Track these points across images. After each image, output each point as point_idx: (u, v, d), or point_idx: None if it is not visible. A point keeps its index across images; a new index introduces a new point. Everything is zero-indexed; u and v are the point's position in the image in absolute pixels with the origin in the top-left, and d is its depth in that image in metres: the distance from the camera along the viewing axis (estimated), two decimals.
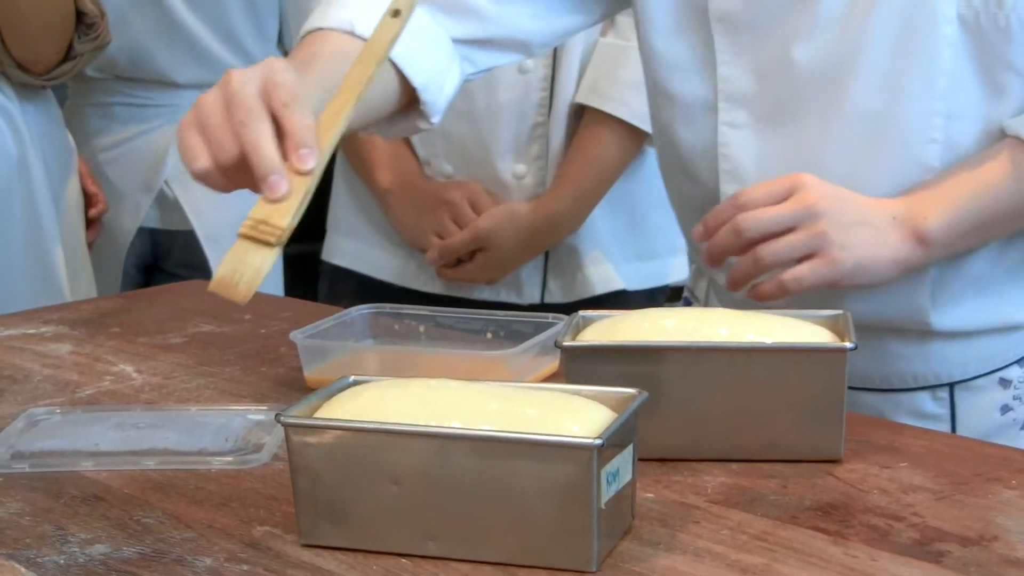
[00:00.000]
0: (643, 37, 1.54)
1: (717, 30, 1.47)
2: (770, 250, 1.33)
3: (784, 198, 1.34)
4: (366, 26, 1.42)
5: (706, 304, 1.64)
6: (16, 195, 2.29)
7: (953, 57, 1.37)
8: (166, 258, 2.88)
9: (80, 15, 2.25)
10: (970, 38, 1.37)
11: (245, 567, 1.01)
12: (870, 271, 1.35)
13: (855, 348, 1.17)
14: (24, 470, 1.22)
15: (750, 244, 1.34)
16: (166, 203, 2.82)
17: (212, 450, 1.25)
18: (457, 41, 1.55)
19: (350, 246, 2.24)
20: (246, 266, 1.22)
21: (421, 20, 1.50)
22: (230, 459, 1.23)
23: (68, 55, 2.29)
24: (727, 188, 1.49)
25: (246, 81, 1.23)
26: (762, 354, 1.19)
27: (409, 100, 1.51)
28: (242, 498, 1.14)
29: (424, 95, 1.50)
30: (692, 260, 1.68)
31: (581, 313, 1.30)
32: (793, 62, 1.43)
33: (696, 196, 1.55)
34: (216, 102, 1.24)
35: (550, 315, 1.52)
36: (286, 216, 1.21)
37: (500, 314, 1.56)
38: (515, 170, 2.08)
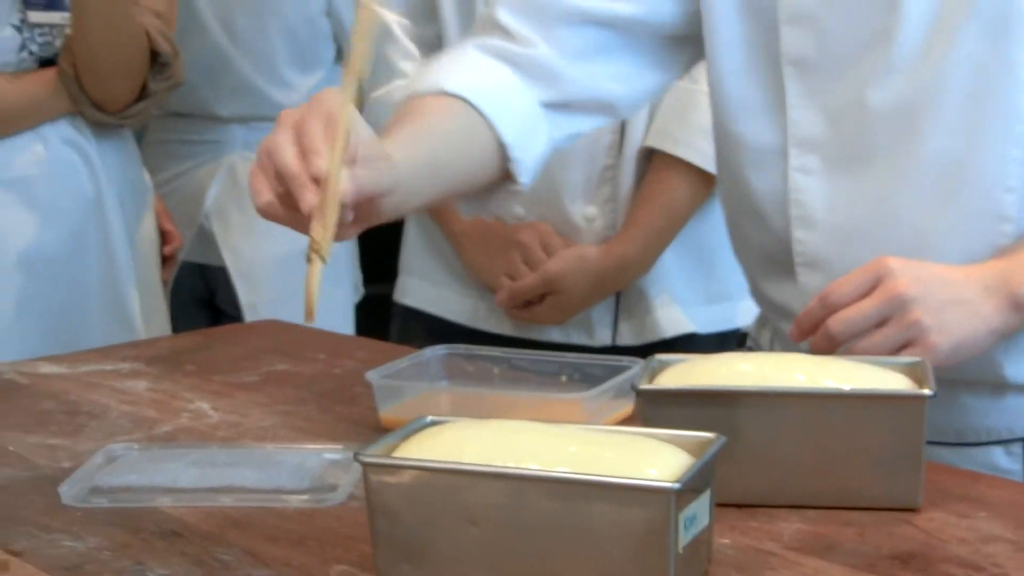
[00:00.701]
0: (713, 81, 1.54)
1: (789, 73, 1.46)
2: (865, 347, 1.30)
3: (871, 288, 1.32)
4: (455, 84, 1.48)
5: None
6: (91, 234, 2.31)
7: None
8: (216, 294, 2.91)
9: (154, 55, 2.28)
10: None
11: None
12: (968, 347, 1.32)
13: (935, 395, 1.17)
14: (103, 505, 1.23)
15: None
16: (207, 239, 2.85)
17: (289, 488, 1.26)
18: (542, 104, 1.55)
19: (421, 287, 2.24)
20: (305, 287, 1.23)
21: (509, 80, 1.52)
22: (306, 498, 1.23)
23: (142, 94, 2.32)
24: (799, 234, 1.48)
25: (291, 113, 1.27)
26: (840, 400, 1.18)
27: (501, 171, 1.52)
28: (319, 537, 1.15)
29: (513, 152, 1.50)
30: (758, 305, 1.67)
31: (657, 357, 1.30)
32: (866, 106, 1.42)
33: (766, 242, 1.55)
34: (269, 139, 1.27)
35: (624, 358, 1.51)
36: (316, 229, 1.22)
37: (574, 357, 1.56)
38: (586, 212, 2.08)
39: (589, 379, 1.49)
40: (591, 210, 2.08)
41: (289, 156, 1.24)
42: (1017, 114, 1.37)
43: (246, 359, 1.78)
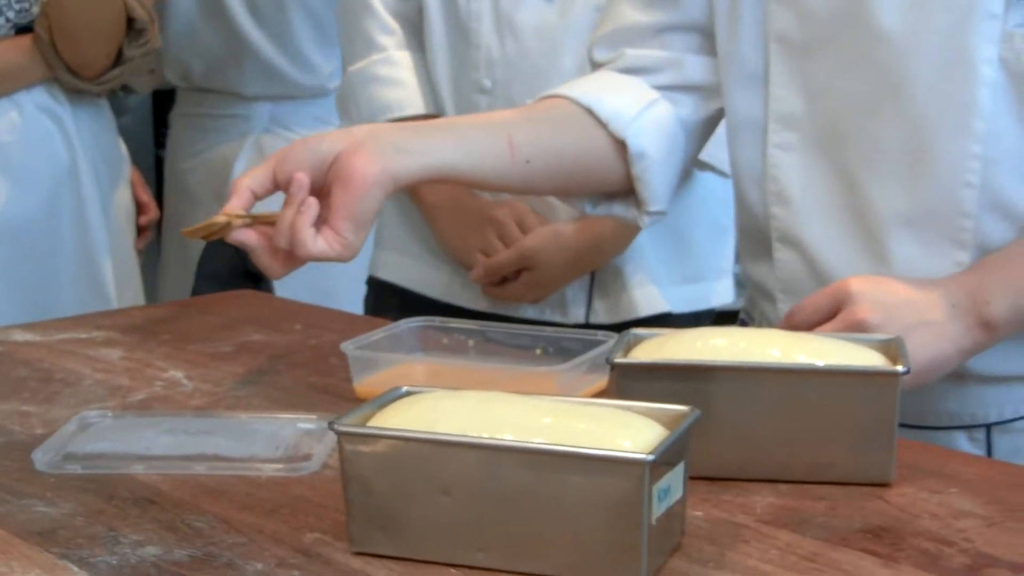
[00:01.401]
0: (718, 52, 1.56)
1: (774, 50, 1.47)
2: None
3: (833, 312, 1.33)
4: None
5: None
6: (66, 200, 2.31)
7: (993, 100, 1.36)
8: (249, 261, 2.92)
9: (130, 21, 2.27)
10: (1012, 82, 1.36)
11: (296, 573, 1.02)
12: (937, 368, 1.33)
13: (908, 372, 1.17)
14: (76, 472, 1.23)
15: None
16: None
17: (262, 457, 1.26)
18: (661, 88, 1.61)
19: (396, 261, 2.24)
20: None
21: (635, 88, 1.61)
22: (280, 467, 1.23)
23: (118, 60, 2.31)
24: (775, 210, 1.49)
25: None
26: (814, 376, 1.18)
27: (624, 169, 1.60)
28: (292, 505, 1.15)
29: (612, 125, 1.57)
30: (746, 285, 1.67)
31: (632, 331, 1.30)
32: (840, 88, 1.43)
33: (745, 217, 1.56)
34: None
35: (599, 332, 1.52)
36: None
37: (550, 331, 1.56)
38: None
39: (564, 352, 1.50)
40: None
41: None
42: (977, 111, 1.37)
43: (222, 329, 1.77)
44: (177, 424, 1.35)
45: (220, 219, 1.40)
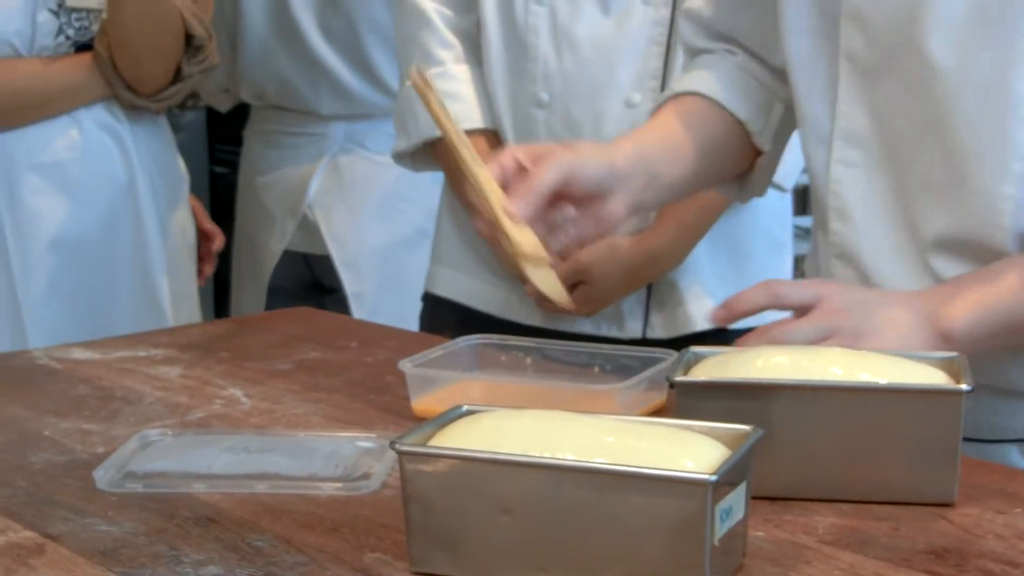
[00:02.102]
0: (786, 58, 1.56)
1: (844, 67, 1.47)
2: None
3: (811, 302, 1.35)
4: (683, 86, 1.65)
5: None
6: (123, 217, 2.33)
7: None
8: (321, 280, 2.95)
9: (188, 37, 2.29)
10: None
11: None
12: None
13: (972, 390, 1.16)
14: (138, 490, 1.23)
15: None
16: (311, 229, 2.89)
17: (322, 476, 1.26)
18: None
19: (452, 277, 2.24)
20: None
21: (732, 70, 1.65)
22: (340, 485, 1.23)
23: (177, 77, 2.32)
24: (835, 225, 1.50)
25: None
26: (877, 394, 1.18)
27: (749, 149, 1.67)
28: (352, 524, 1.15)
29: (752, 127, 1.63)
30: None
31: (691, 349, 1.30)
32: (899, 113, 1.43)
33: (815, 193, 1.57)
34: None
35: (657, 350, 1.51)
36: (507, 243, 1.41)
37: (607, 348, 1.55)
38: None
39: (622, 370, 1.49)
40: None
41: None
42: (1014, 150, 1.36)
43: (279, 347, 1.78)
44: (237, 442, 1.35)
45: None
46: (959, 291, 1.35)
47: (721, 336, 2.09)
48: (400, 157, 2.24)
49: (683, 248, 2.10)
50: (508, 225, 1.37)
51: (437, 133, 2.10)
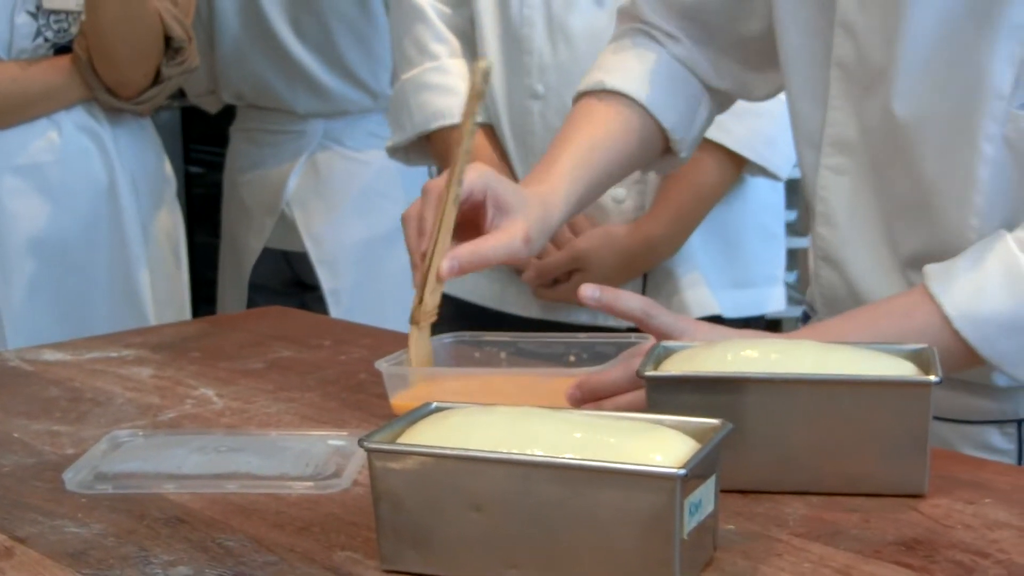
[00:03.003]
0: (782, 60, 1.55)
1: (834, 74, 1.46)
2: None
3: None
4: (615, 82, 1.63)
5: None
6: (103, 218, 2.32)
7: (992, 177, 1.36)
8: (301, 277, 2.95)
9: (167, 40, 2.28)
10: (1015, 161, 1.35)
11: None
12: None
13: (940, 382, 1.16)
14: (107, 491, 1.23)
15: None
16: (289, 225, 2.90)
17: (293, 475, 1.26)
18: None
19: None
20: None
21: (667, 67, 1.65)
22: (311, 484, 1.23)
23: (156, 80, 2.32)
24: (820, 230, 1.50)
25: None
26: (846, 387, 1.18)
27: (662, 150, 1.68)
28: (323, 523, 1.15)
29: (675, 135, 1.64)
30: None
31: (662, 343, 1.30)
32: (882, 130, 1.42)
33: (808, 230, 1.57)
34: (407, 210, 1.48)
35: (633, 335, 1.51)
36: (416, 299, 1.45)
37: (582, 337, 1.55)
38: (614, 193, 2.07)
39: (598, 358, 1.49)
40: (620, 191, 2.07)
41: (409, 235, 1.45)
42: (976, 184, 1.36)
43: (251, 346, 1.78)
44: (207, 442, 1.35)
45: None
46: (842, 328, 1.36)
47: (729, 324, 2.10)
48: (394, 151, 2.25)
49: (679, 235, 2.09)
50: (431, 283, 1.42)
51: (432, 127, 2.11)
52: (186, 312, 2.50)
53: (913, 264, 1.42)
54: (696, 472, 0.99)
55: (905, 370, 1.20)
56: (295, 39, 2.84)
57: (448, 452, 1.03)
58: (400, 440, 1.07)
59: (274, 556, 1.08)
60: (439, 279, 1.41)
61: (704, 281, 2.12)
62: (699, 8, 1.64)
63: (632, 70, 1.64)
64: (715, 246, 2.14)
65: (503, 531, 1.01)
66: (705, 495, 1.02)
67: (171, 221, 2.47)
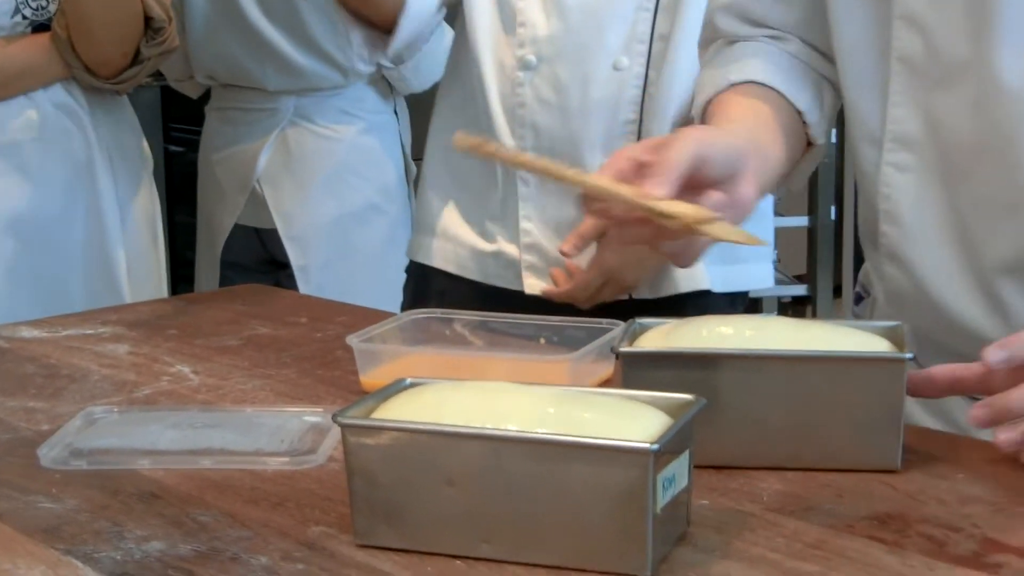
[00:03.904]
0: (836, 50, 1.50)
1: (895, 69, 1.41)
2: None
3: None
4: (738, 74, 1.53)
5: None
6: (80, 197, 2.31)
7: None
8: (275, 255, 2.96)
9: (147, 20, 2.27)
10: None
11: (300, 566, 1.01)
12: None
13: (913, 358, 1.17)
14: (82, 467, 1.23)
15: None
16: (259, 202, 2.90)
17: (268, 450, 1.26)
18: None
19: (438, 245, 2.23)
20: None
21: (790, 59, 1.57)
22: (286, 460, 1.23)
23: (136, 59, 2.31)
24: (885, 227, 1.44)
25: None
26: (820, 363, 1.18)
27: (803, 140, 1.56)
28: (297, 498, 1.15)
29: (809, 117, 1.54)
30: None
31: (638, 320, 1.30)
32: (958, 128, 1.37)
33: (864, 211, 1.51)
34: None
35: (604, 320, 1.51)
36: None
37: (554, 319, 1.56)
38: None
39: (569, 341, 1.49)
40: None
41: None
42: None
43: (228, 323, 1.77)
44: (183, 419, 1.35)
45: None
46: None
47: (703, 300, 2.10)
48: None
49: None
50: (661, 205, 1.23)
51: None
52: (163, 290, 2.50)
53: (1007, 273, 1.36)
54: (669, 447, 0.99)
55: (879, 346, 1.21)
56: (262, 15, 2.83)
57: (422, 427, 1.03)
58: (374, 415, 1.07)
59: (248, 531, 1.08)
60: (656, 199, 1.23)
61: None
62: (776, 19, 1.59)
63: (753, 63, 1.56)
64: None
65: (476, 506, 1.01)
66: (679, 470, 1.02)
67: (149, 200, 2.46)
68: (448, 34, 2.59)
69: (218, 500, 1.15)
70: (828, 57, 1.57)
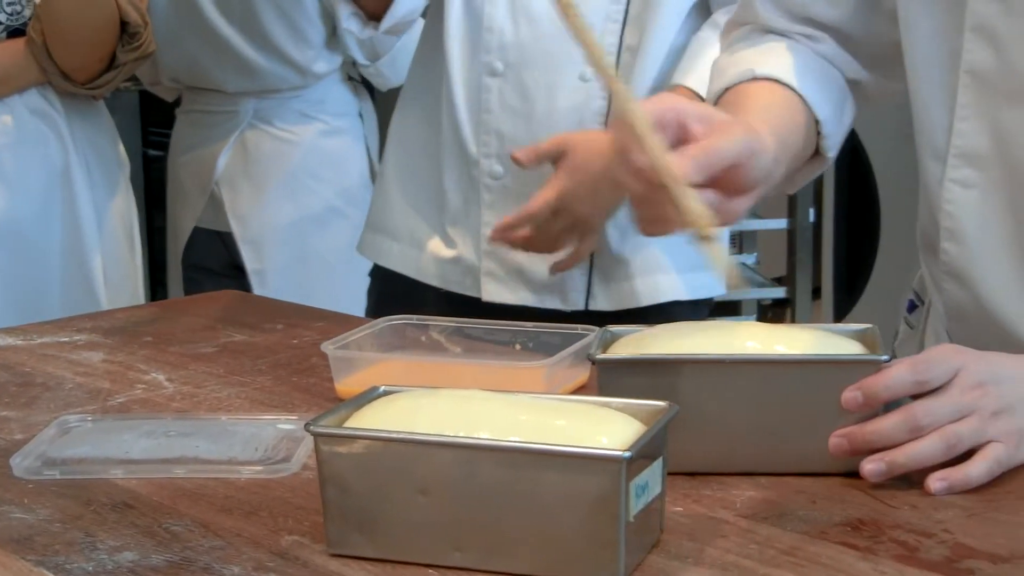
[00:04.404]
0: (905, 58, 1.46)
1: (964, 82, 1.36)
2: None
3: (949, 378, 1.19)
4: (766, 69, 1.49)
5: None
6: (57, 202, 2.31)
7: None
8: (238, 258, 2.96)
9: (123, 25, 2.27)
10: None
11: None
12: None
13: (889, 360, 1.17)
14: (55, 477, 1.22)
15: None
16: (218, 205, 2.90)
17: (242, 459, 1.25)
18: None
19: (399, 250, 2.22)
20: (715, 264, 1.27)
21: (813, 60, 1.53)
22: (259, 468, 1.23)
23: (111, 65, 2.30)
24: (946, 245, 1.40)
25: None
26: (794, 366, 1.18)
27: (813, 148, 1.52)
28: (271, 507, 1.15)
29: (826, 128, 1.51)
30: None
31: (609, 328, 1.30)
32: None
33: (925, 234, 1.49)
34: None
35: (579, 326, 1.51)
36: (685, 215, 1.22)
37: (529, 325, 1.55)
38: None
39: (544, 347, 1.49)
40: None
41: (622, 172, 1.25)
42: None
43: (203, 330, 1.77)
44: (157, 427, 1.35)
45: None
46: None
47: (664, 309, 2.09)
48: None
49: None
50: (681, 191, 1.20)
51: None
52: (140, 296, 2.49)
53: None
54: (642, 454, 0.99)
55: (852, 350, 1.21)
56: (220, 16, 2.84)
57: (394, 436, 1.03)
58: (347, 424, 1.07)
59: (221, 540, 1.08)
60: (683, 182, 1.20)
61: (653, 266, 2.12)
62: (824, 14, 1.55)
63: (781, 61, 1.51)
64: None
65: (449, 514, 1.01)
66: (651, 477, 1.02)
67: (125, 205, 2.46)
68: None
69: (191, 509, 1.14)
70: (865, 60, 1.55)
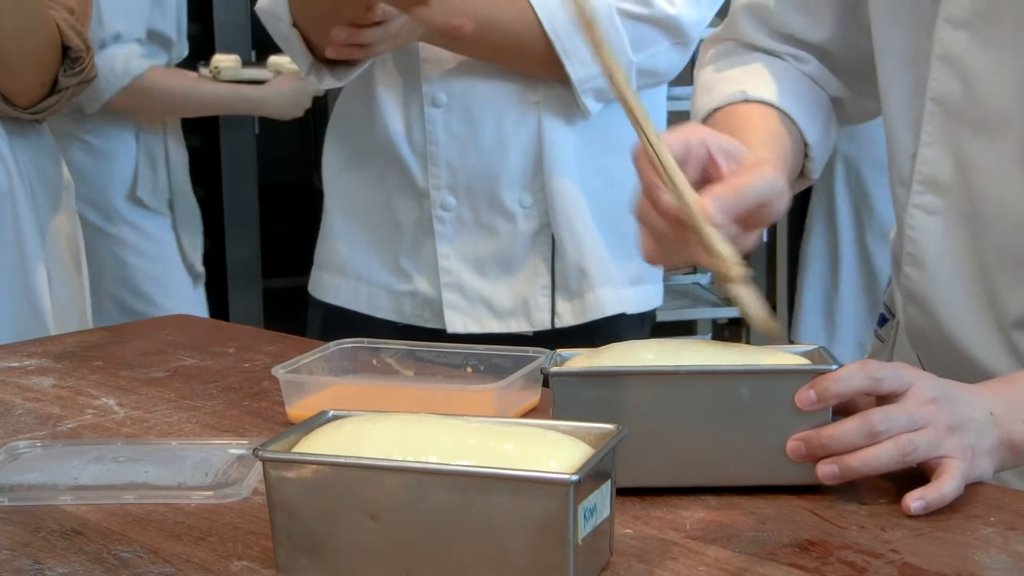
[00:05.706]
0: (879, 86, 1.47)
1: (929, 109, 1.37)
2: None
3: (902, 389, 1.19)
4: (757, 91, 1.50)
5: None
6: (3, 227, 2.29)
7: None
8: None
9: (65, 49, 2.26)
10: None
11: None
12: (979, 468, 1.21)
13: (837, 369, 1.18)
14: (3, 504, 1.21)
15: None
16: None
17: (191, 484, 1.25)
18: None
19: (340, 283, 2.22)
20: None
21: (808, 85, 1.55)
22: (209, 493, 1.22)
23: (53, 89, 2.29)
24: (907, 269, 1.42)
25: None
26: (748, 377, 1.18)
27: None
28: (220, 532, 1.14)
29: (813, 152, 1.53)
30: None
31: (559, 351, 1.30)
32: (997, 176, 1.34)
33: (894, 253, 1.50)
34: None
35: (530, 349, 1.51)
36: (712, 262, 1.23)
37: (480, 348, 1.56)
38: (522, 199, 2.07)
39: (495, 370, 1.49)
40: (527, 197, 2.07)
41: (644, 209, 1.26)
42: None
43: (155, 354, 1.76)
44: (106, 452, 1.34)
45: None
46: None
47: (617, 323, 2.10)
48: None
49: None
50: (711, 233, 1.20)
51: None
52: (87, 318, 2.48)
53: (1021, 326, 1.34)
54: (590, 477, 0.99)
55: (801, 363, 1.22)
56: None
57: (342, 460, 1.03)
58: (296, 448, 1.06)
59: (170, 567, 1.07)
60: (714, 225, 1.21)
61: (609, 279, 2.13)
62: (806, 31, 1.56)
63: (771, 82, 1.53)
64: (615, 245, 2.14)
65: (398, 539, 1.01)
66: (600, 500, 1.03)
67: (70, 227, 2.45)
68: None
69: (140, 535, 1.14)
70: (845, 77, 1.57)
